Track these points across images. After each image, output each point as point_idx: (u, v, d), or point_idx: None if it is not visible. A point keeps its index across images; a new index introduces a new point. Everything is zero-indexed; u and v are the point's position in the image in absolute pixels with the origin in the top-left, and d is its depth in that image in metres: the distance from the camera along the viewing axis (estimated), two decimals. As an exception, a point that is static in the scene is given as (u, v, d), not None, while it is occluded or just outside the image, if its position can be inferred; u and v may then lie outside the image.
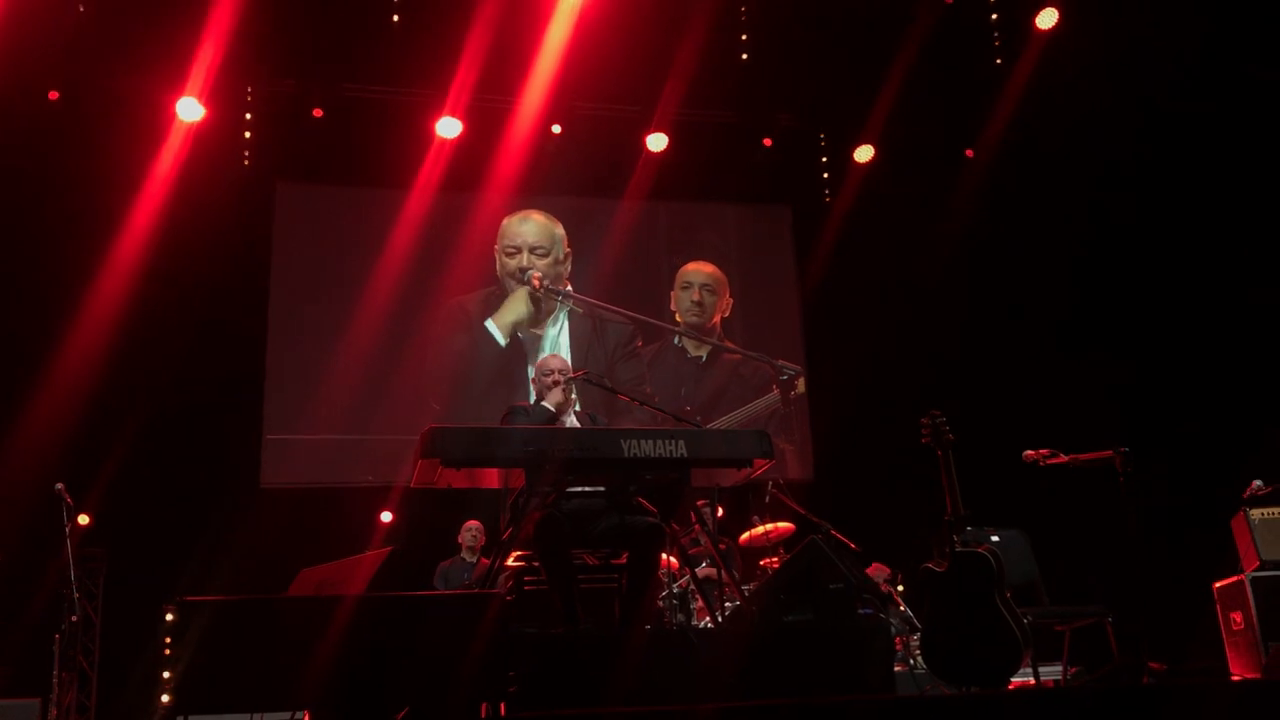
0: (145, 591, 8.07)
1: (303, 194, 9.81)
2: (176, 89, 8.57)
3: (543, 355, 7.54)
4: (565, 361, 5.53)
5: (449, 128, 9.25)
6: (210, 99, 8.73)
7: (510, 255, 10.13)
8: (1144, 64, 8.59)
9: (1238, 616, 6.72)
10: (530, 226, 10.23)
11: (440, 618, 3.62)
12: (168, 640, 7.70)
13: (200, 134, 8.85)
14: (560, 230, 10.25)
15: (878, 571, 7.80)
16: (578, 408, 5.50)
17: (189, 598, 3.63)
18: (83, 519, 7.38)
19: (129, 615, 8.01)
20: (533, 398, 5.54)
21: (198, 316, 8.75)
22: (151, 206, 8.68)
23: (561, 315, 10.08)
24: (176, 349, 8.62)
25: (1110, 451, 5.26)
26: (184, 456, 8.57)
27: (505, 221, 10.17)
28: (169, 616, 7.73)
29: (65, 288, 8.48)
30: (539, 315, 10.02)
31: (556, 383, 5.39)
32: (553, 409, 5.32)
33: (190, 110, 8.65)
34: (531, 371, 8.27)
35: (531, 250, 10.15)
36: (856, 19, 8.89)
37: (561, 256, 10.22)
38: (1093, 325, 9.13)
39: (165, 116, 8.70)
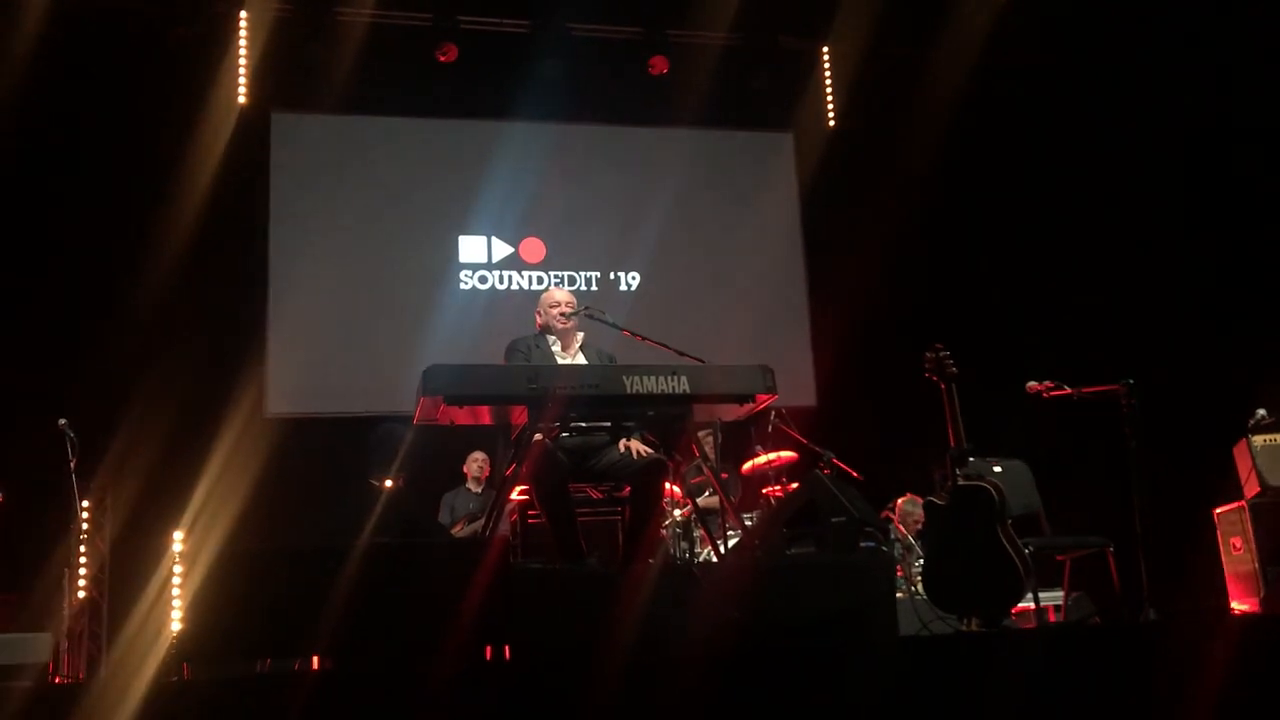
0: (152, 522, 8.16)
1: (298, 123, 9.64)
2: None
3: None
4: (570, 295, 5.48)
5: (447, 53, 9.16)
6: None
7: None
8: None
9: (1237, 542, 6.78)
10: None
11: (444, 562, 3.65)
12: (177, 569, 7.82)
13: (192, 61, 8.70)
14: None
15: (911, 502, 7.72)
16: (581, 343, 5.46)
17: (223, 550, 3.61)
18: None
19: (136, 546, 8.09)
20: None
21: (199, 247, 8.66)
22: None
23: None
24: (178, 278, 8.53)
25: (1115, 385, 5.22)
26: (188, 387, 8.53)
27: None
28: (178, 546, 7.88)
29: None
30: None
31: (564, 314, 5.36)
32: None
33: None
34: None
35: None
36: None
37: None
38: (1099, 254, 9.03)
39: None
